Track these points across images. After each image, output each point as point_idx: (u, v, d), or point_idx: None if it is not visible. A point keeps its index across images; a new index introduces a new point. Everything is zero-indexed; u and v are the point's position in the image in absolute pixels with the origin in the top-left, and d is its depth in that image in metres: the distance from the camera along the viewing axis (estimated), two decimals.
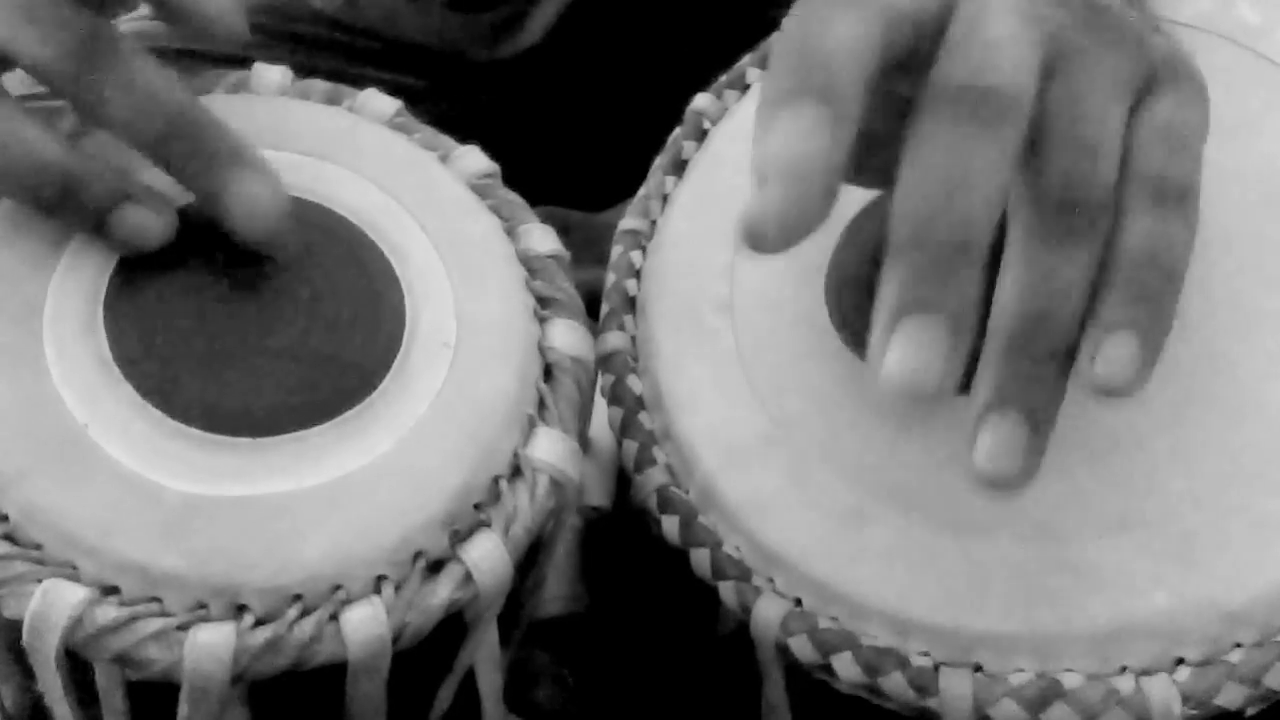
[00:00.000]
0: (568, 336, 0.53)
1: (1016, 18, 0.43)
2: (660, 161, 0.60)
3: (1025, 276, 0.43)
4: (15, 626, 0.47)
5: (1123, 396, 0.44)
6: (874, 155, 0.45)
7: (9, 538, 0.47)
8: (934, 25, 0.44)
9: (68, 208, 0.51)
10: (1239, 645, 0.49)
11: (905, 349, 0.41)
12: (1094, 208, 0.43)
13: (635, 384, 0.56)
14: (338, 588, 0.48)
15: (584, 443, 0.53)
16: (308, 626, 0.47)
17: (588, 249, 0.62)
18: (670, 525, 0.53)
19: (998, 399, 0.43)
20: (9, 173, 0.50)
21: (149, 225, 0.51)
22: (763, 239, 0.41)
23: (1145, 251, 0.44)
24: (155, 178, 0.52)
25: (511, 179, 0.57)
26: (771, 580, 0.52)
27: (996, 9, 0.43)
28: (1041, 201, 0.43)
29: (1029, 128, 0.43)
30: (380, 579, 0.48)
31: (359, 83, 0.58)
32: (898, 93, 0.44)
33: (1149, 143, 0.44)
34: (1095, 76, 0.44)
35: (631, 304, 0.58)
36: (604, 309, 0.57)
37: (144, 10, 0.53)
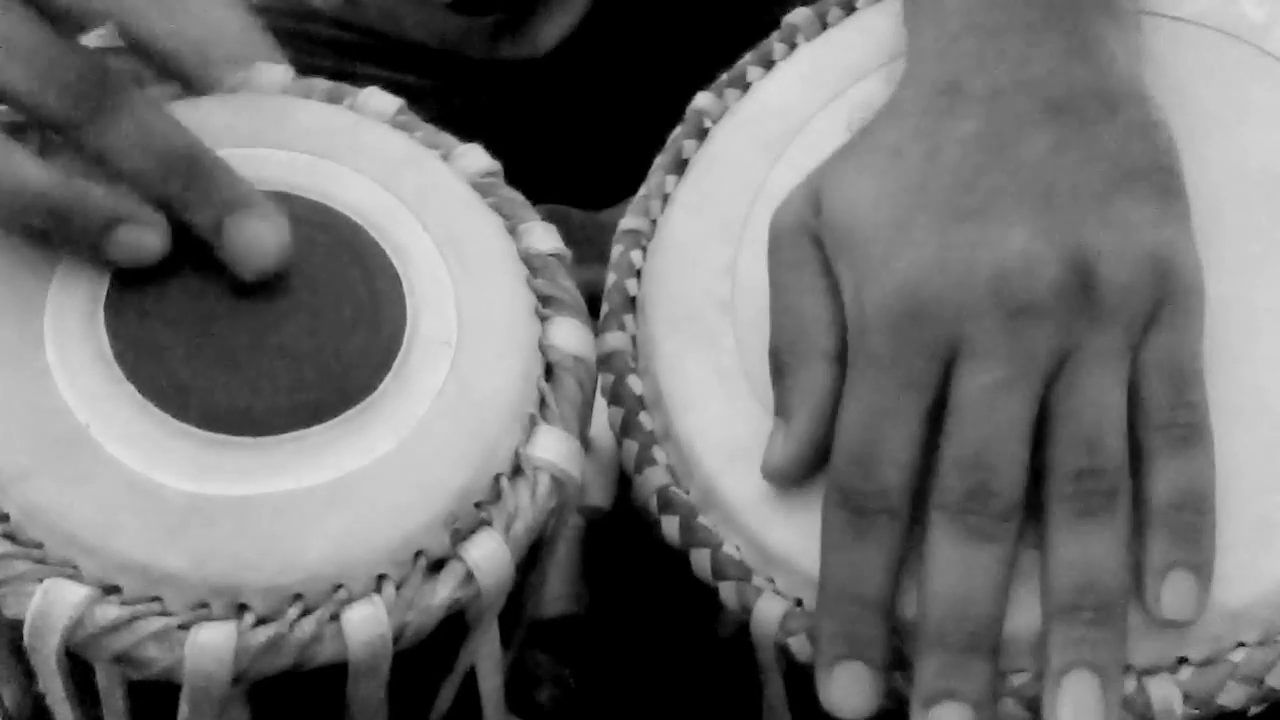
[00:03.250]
0: (569, 335, 0.53)
1: (1005, 373, 0.48)
2: (661, 160, 0.60)
3: (1063, 554, 0.48)
4: (16, 626, 0.47)
5: (1191, 623, 0.48)
6: None
7: (10, 537, 0.47)
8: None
9: (59, 236, 0.50)
10: (1242, 644, 0.49)
11: None
12: (1106, 490, 0.48)
13: (635, 384, 0.56)
14: (339, 587, 0.48)
15: (585, 442, 0.53)
16: (308, 626, 0.47)
17: (589, 247, 0.62)
18: (670, 525, 0.53)
19: (1068, 663, 0.47)
20: None
21: (143, 244, 0.50)
22: None
23: (1177, 495, 0.48)
24: None
25: (513, 177, 0.57)
26: (771, 580, 0.52)
27: (986, 385, 0.48)
28: (1059, 492, 0.48)
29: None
30: (381, 578, 0.48)
31: (360, 81, 0.58)
32: None
33: (1156, 386, 0.49)
34: (1090, 371, 0.48)
35: (632, 303, 0.58)
36: (604, 308, 0.57)
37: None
